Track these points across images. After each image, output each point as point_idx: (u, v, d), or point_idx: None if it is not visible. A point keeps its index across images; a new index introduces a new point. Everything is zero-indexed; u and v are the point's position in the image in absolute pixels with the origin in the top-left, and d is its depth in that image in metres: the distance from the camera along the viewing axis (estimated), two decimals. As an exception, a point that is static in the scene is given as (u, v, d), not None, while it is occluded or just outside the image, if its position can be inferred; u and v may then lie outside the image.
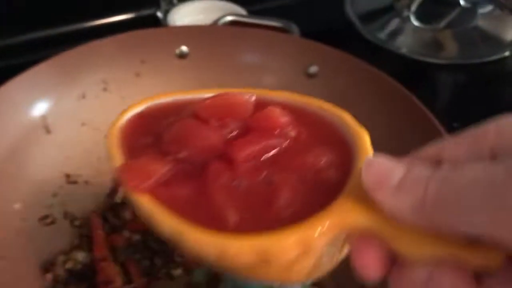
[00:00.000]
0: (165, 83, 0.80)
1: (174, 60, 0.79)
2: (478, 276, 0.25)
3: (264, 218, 0.31)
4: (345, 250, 0.33)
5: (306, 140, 0.38)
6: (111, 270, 0.61)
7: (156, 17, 1.09)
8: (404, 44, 1.03)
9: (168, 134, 0.37)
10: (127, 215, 0.68)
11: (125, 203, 0.71)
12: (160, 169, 0.34)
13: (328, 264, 0.33)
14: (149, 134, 0.40)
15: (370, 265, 0.27)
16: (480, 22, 1.07)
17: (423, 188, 0.24)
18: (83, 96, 0.75)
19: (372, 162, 0.27)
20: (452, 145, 0.26)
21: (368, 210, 0.27)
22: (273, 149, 0.36)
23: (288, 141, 0.37)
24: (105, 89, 0.76)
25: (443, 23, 1.07)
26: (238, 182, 0.33)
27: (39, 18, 0.96)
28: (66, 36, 0.94)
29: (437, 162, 0.26)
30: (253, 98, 0.40)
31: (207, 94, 0.41)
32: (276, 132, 0.37)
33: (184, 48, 0.79)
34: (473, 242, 0.24)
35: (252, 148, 0.35)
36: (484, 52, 1.01)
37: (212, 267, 0.32)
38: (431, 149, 0.28)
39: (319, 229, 0.28)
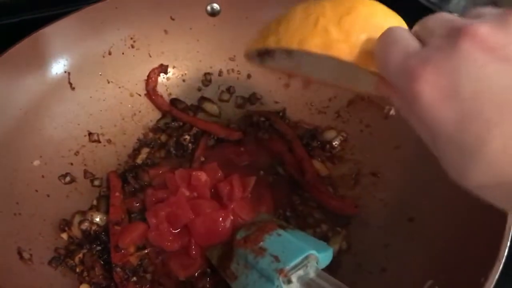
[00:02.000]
0: (195, 42, 0.76)
1: (204, 18, 0.75)
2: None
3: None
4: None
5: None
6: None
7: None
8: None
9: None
10: (146, 178, 0.67)
11: (146, 165, 0.69)
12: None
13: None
14: None
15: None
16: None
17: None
18: (109, 53, 0.72)
19: None
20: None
21: None
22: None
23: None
24: (132, 46, 0.73)
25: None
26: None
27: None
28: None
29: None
30: None
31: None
32: None
33: (215, 5, 0.74)
34: None
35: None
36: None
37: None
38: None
39: None
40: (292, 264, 0.48)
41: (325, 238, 0.61)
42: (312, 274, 0.47)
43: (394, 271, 0.56)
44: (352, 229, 0.63)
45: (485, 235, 0.47)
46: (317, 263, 0.49)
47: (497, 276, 0.43)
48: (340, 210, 0.64)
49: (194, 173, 0.61)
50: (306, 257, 0.49)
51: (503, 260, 0.43)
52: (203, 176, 0.61)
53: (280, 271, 0.48)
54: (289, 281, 0.47)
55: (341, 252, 0.61)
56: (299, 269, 0.48)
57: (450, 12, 0.86)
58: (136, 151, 0.72)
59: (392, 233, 0.59)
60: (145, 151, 0.71)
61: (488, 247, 0.45)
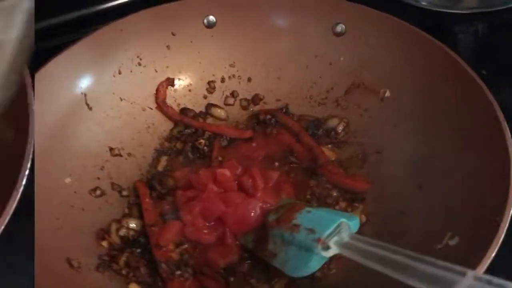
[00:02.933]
0: (196, 54, 0.82)
1: (202, 30, 0.81)
2: None
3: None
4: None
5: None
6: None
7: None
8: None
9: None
10: (171, 182, 0.71)
11: (167, 171, 0.74)
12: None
13: None
14: None
15: None
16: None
17: None
18: (119, 72, 0.77)
19: None
20: None
21: None
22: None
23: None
24: (139, 64, 0.79)
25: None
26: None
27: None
28: (95, 15, 0.96)
29: None
30: None
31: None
32: None
33: (211, 17, 0.80)
34: None
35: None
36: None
37: None
38: None
39: None
40: (327, 232, 0.53)
41: (345, 214, 0.67)
42: (346, 238, 0.53)
43: (412, 232, 0.62)
44: (368, 203, 0.69)
45: (493, 184, 0.54)
46: (349, 228, 0.54)
47: (510, 214, 0.49)
48: (354, 187, 0.70)
49: (218, 170, 0.66)
50: (339, 225, 0.54)
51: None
52: (226, 172, 0.66)
53: (318, 239, 0.53)
54: (328, 247, 0.52)
55: (361, 224, 0.67)
56: (334, 236, 0.53)
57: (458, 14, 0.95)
58: (156, 160, 0.76)
59: (404, 201, 0.65)
60: (164, 159, 0.76)
61: (496, 193, 0.52)
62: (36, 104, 0.65)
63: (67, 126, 0.71)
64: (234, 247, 0.63)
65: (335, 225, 0.54)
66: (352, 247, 0.51)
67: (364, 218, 0.67)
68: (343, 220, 0.54)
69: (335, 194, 0.69)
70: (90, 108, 0.74)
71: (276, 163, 0.73)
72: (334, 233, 0.53)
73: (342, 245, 0.52)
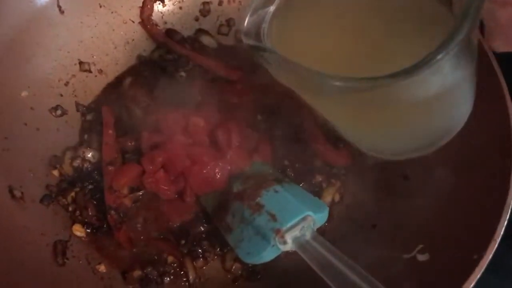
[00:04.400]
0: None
1: None
2: None
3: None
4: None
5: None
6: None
7: None
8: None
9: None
10: (139, 114, 0.64)
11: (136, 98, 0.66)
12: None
13: None
14: None
15: None
16: None
17: None
18: (103, -27, 0.66)
19: None
20: None
21: None
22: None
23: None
24: (127, -34, 0.67)
25: None
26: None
27: None
28: None
29: None
30: None
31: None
32: None
33: None
34: None
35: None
36: None
37: None
38: None
39: None
40: (289, 225, 0.48)
41: (319, 189, 0.62)
42: (308, 236, 0.48)
43: (384, 228, 0.57)
44: (347, 181, 0.63)
45: (483, 210, 0.48)
46: (313, 224, 0.49)
47: (490, 256, 0.44)
48: (333, 161, 0.63)
49: (192, 118, 0.59)
50: (303, 218, 0.49)
51: (499, 240, 0.44)
52: (200, 122, 0.59)
53: (277, 231, 0.48)
54: (284, 242, 0.48)
55: (334, 203, 0.62)
56: (295, 230, 0.48)
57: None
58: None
59: (385, 189, 0.60)
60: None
61: (485, 223, 0.46)
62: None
63: (31, 30, 0.62)
64: (192, 207, 0.58)
65: (299, 218, 0.49)
66: (309, 249, 0.47)
67: (338, 197, 0.62)
68: (309, 214, 0.49)
69: (315, 164, 0.63)
70: (62, 12, 0.64)
71: (259, 117, 0.65)
72: (296, 227, 0.48)
73: (300, 244, 0.48)
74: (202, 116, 0.60)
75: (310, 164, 0.63)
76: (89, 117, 0.65)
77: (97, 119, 0.65)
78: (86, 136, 0.64)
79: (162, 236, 0.57)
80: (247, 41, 0.45)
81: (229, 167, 0.57)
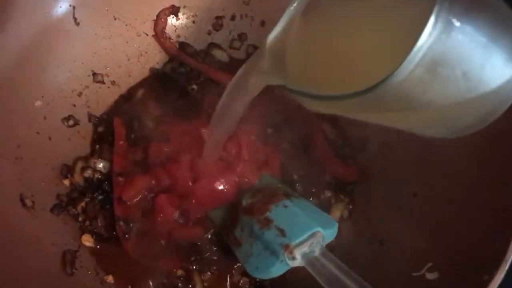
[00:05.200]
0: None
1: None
2: None
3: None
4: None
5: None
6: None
7: None
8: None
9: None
10: (150, 125, 0.65)
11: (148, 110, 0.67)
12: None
13: None
14: None
15: None
16: None
17: None
18: (118, -14, 0.67)
19: None
20: None
21: None
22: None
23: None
24: (142, -20, 0.68)
25: None
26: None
27: None
28: None
29: None
30: None
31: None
32: None
33: None
34: None
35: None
36: None
37: None
38: None
39: None
40: (298, 241, 0.48)
41: (327, 205, 0.62)
42: (317, 252, 0.48)
43: (393, 245, 0.57)
44: (356, 198, 0.63)
45: (494, 229, 0.47)
46: (322, 240, 0.49)
47: (502, 277, 0.43)
48: (342, 176, 0.63)
49: (203, 131, 0.59)
50: (312, 234, 0.49)
51: (510, 261, 0.44)
52: None
53: (286, 246, 0.48)
54: (293, 258, 0.48)
55: (342, 219, 0.62)
56: (304, 246, 0.48)
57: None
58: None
59: (394, 206, 0.60)
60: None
61: (496, 243, 0.46)
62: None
63: (48, 39, 0.62)
64: (202, 221, 0.58)
65: (308, 234, 0.49)
66: (318, 265, 0.46)
67: (346, 214, 0.62)
68: (318, 230, 0.49)
69: (324, 179, 0.63)
70: (77, 24, 0.65)
71: (270, 130, 0.65)
72: (305, 243, 0.48)
73: (309, 260, 0.47)
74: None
75: (319, 179, 0.63)
76: (100, 128, 0.66)
77: (108, 130, 0.66)
78: (97, 147, 0.64)
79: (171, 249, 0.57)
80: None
81: (238, 180, 0.57)
